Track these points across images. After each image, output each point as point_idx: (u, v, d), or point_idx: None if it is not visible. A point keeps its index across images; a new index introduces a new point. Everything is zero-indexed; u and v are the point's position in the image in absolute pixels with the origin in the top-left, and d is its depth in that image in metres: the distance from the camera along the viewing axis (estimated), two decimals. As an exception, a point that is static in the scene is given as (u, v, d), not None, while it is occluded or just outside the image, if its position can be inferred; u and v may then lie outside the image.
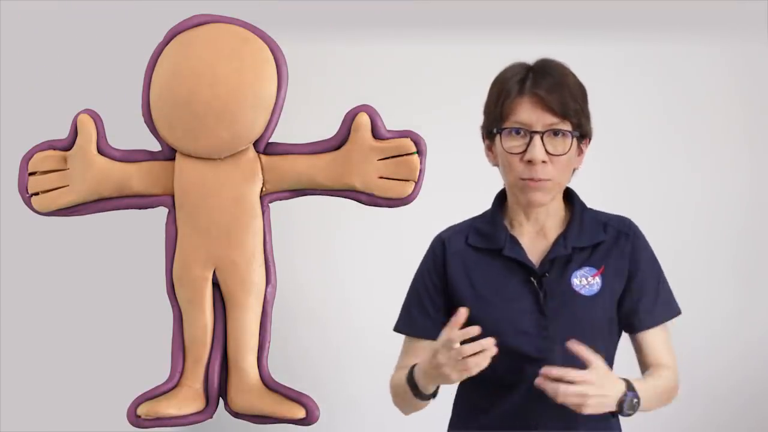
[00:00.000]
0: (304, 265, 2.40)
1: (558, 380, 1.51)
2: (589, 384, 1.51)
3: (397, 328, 1.79)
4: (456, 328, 1.49)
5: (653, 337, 1.70)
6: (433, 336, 1.65)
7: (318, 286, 2.46)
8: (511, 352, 1.62)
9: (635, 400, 1.57)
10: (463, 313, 1.51)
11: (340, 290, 2.48)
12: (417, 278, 1.78)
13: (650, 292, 1.70)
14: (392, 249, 2.42)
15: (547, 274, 1.66)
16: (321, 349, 2.47)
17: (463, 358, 1.48)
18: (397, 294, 1.81)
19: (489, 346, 1.48)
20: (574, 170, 1.68)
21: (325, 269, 2.49)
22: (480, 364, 1.49)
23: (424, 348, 1.67)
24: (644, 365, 1.72)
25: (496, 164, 1.70)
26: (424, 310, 1.74)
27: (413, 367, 1.64)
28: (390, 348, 1.80)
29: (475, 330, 1.49)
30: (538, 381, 1.53)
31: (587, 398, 1.51)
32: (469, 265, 1.71)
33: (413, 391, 1.63)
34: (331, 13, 2.36)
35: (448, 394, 1.74)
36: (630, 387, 1.57)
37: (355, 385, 2.44)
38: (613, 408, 1.55)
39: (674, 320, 1.73)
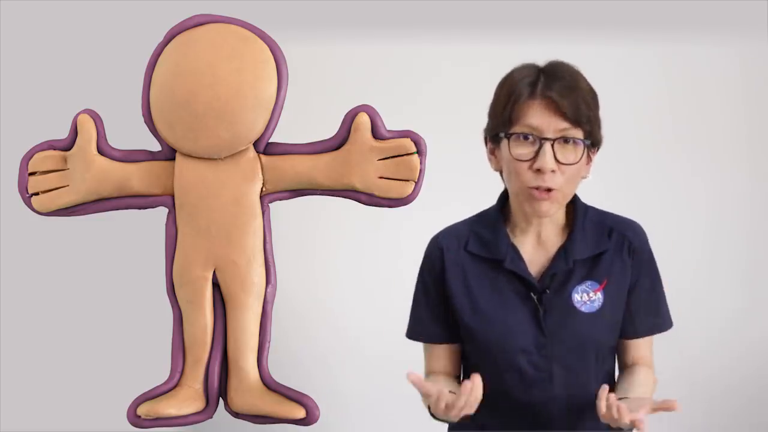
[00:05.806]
0: (301, 265, 2.39)
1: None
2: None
3: (411, 336, 1.74)
4: (464, 396, 1.46)
5: (643, 342, 1.69)
6: (448, 339, 1.66)
7: (315, 287, 2.46)
8: (509, 369, 1.61)
9: None
10: (473, 385, 1.47)
11: (339, 291, 2.48)
12: (418, 284, 1.74)
13: (648, 303, 1.67)
14: (390, 250, 2.42)
15: (547, 291, 1.62)
16: (318, 350, 2.47)
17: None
18: (393, 295, 1.80)
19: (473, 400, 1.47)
20: (582, 178, 1.62)
21: (321, 269, 2.48)
22: (471, 408, 1.47)
23: (444, 352, 1.69)
24: (625, 363, 1.69)
25: (497, 169, 1.65)
26: (433, 316, 1.71)
27: None
28: (385, 349, 1.79)
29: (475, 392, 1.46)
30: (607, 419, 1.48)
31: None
32: (468, 275, 1.67)
33: (433, 417, 1.61)
34: (331, 13, 2.36)
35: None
36: None
37: (352, 387, 2.44)
38: None
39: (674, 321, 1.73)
